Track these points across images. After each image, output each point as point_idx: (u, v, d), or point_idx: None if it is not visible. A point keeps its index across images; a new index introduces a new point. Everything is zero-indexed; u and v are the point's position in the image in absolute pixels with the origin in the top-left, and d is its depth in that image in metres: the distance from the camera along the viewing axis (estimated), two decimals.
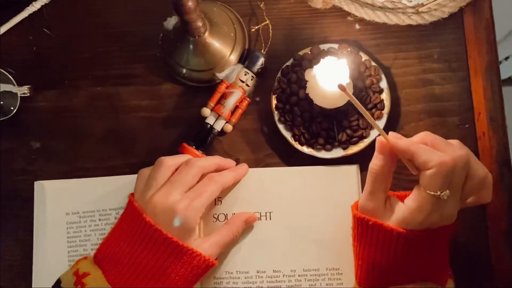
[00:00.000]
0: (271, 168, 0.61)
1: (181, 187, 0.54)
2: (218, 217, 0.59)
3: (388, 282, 0.51)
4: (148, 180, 0.55)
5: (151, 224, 0.52)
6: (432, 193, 0.47)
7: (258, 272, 0.58)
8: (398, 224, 0.49)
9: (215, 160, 0.58)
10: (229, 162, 0.60)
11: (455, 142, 0.50)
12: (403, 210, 0.49)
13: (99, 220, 0.60)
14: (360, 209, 0.52)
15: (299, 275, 0.58)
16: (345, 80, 0.56)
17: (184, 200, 0.53)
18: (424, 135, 0.50)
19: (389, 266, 0.50)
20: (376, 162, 0.51)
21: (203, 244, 0.54)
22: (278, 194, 0.60)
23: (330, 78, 0.55)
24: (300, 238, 0.58)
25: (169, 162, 0.56)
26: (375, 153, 0.51)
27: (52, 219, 0.60)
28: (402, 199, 0.51)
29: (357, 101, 0.50)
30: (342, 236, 0.57)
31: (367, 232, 0.51)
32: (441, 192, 0.47)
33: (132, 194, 0.56)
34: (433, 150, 0.48)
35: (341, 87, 0.50)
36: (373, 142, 0.53)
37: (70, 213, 0.60)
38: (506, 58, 1.19)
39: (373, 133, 0.59)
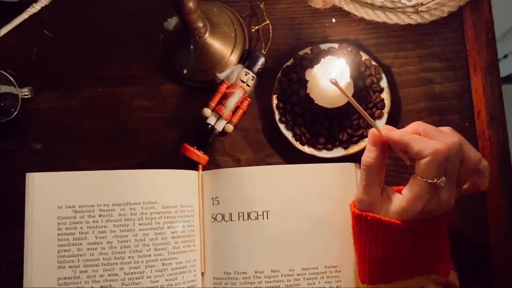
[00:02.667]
0: (266, 166, 0.61)
1: None
2: (216, 217, 0.59)
3: (391, 277, 0.51)
4: None
5: None
6: (428, 181, 0.47)
7: (256, 272, 0.57)
8: (396, 215, 0.49)
9: None
10: None
11: (446, 129, 0.50)
12: (401, 201, 0.49)
13: (99, 216, 0.55)
14: (357, 203, 0.53)
15: (297, 274, 0.57)
16: (346, 79, 0.56)
17: None
18: (416, 125, 0.51)
19: (391, 260, 0.51)
20: (369, 154, 0.51)
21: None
22: (275, 192, 0.59)
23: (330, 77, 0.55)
24: (297, 236, 0.58)
25: None
26: (368, 146, 0.52)
27: (40, 212, 0.55)
28: (398, 192, 0.51)
29: (348, 94, 0.51)
30: (340, 234, 0.57)
31: (366, 228, 0.51)
32: (437, 180, 0.47)
33: None
34: (426, 139, 0.49)
35: (333, 82, 0.51)
36: None
37: (63, 206, 0.55)
38: (505, 56, 1.19)
39: None
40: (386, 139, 0.51)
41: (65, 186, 0.56)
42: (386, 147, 0.51)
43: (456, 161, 0.48)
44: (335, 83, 0.51)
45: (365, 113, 0.51)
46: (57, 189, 0.56)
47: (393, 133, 0.51)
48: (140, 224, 0.56)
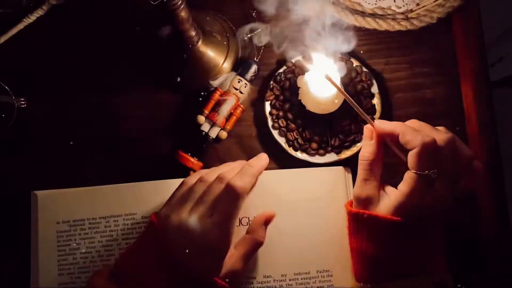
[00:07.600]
0: None
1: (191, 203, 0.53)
2: None
3: (387, 275, 0.51)
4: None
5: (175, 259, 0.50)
6: (420, 173, 0.48)
7: (248, 278, 0.57)
8: (393, 210, 0.50)
9: (234, 165, 0.58)
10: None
11: (441, 128, 0.52)
12: (397, 195, 0.50)
13: (89, 228, 0.60)
14: (354, 199, 0.53)
15: (290, 279, 0.57)
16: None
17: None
18: (412, 123, 0.52)
19: (388, 258, 0.51)
20: (366, 149, 0.52)
21: (229, 261, 0.53)
22: (266, 197, 0.59)
23: (321, 84, 0.56)
24: (289, 241, 0.58)
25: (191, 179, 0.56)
26: (364, 141, 0.53)
27: (44, 228, 0.60)
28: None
29: (342, 90, 0.52)
30: (332, 237, 0.58)
31: (363, 226, 0.52)
32: (429, 172, 0.48)
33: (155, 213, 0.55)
34: (417, 131, 0.50)
35: (327, 77, 0.52)
36: None
37: (61, 221, 0.60)
38: (500, 60, 1.20)
39: None
40: (379, 131, 0.52)
41: (62, 203, 0.60)
42: (382, 142, 0.53)
43: (449, 157, 0.49)
44: (329, 78, 0.52)
45: (358, 106, 0.52)
46: (56, 206, 0.60)
47: (386, 124, 0.52)
48: (122, 234, 0.59)
